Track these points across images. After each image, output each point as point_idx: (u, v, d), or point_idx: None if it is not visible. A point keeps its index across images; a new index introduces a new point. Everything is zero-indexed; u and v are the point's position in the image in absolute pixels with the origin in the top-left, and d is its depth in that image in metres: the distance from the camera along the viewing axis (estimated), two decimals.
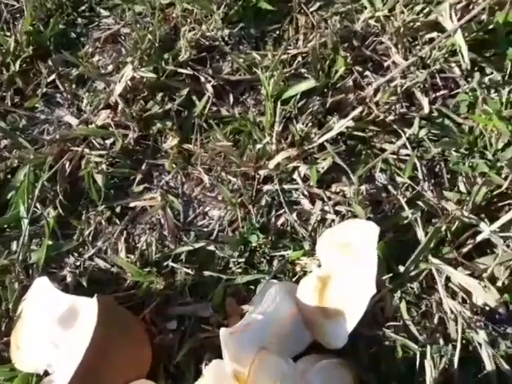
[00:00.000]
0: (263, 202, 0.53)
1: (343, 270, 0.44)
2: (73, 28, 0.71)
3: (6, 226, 0.57)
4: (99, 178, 0.56)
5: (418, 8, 0.59)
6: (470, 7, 0.58)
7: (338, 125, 0.51)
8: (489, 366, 0.42)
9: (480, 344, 0.42)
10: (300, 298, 0.45)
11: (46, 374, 0.47)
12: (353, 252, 0.44)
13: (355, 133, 0.53)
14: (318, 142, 0.52)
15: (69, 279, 0.54)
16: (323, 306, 0.43)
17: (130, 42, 0.65)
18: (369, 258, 0.42)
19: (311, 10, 0.64)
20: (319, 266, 0.47)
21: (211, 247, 0.52)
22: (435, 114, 0.54)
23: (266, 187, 0.53)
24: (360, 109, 0.51)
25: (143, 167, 0.58)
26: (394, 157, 0.53)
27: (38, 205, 0.57)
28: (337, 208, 0.51)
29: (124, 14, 0.70)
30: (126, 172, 0.57)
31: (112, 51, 0.68)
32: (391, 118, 0.54)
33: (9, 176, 0.60)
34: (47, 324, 0.47)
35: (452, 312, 0.44)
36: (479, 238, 0.46)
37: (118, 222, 0.56)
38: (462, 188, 0.50)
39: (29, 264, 0.55)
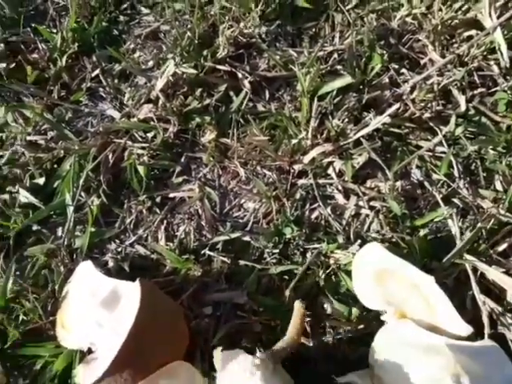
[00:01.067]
0: (298, 196, 0.54)
1: None
2: (115, 25, 0.74)
3: (52, 212, 0.61)
4: (141, 169, 0.59)
5: (456, 5, 0.59)
6: (510, 5, 0.58)
7: (375, 121, 0.52)
8: None
9: None
10: None
11: (90, 351, 0.49)
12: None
13: (391, 129, 0.53)
14: (354, 138, 0.53)
15: (111, 264, 0.56)
16: None
17: (170, 38, 0.68)
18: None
19: (347, 7, 0.65)
20: None
21: (246, 238, 0.54)
22: (472, 111, 0.54)
23: (301, 181, 0.55)
24: (397, 105, 0.52)
25: (182, 160, 0.60)
26: (430, 154, 0.53)
27: (82, 193, 0.59)
28: (371, 203, 0.52)
29: (164, 12, 0.72)
30: (166, 164, 0.60)
31: (153, 47, 0.70)
32: (427, 115, 0.54)
33: (55, 166, 0.63)
34: (91, 305, 0.50)
35: (485, 309, 0.45)
36: None
37: (158, 211, 0.58)
38: (499, 186, 0.50)
39: (73, 249, 0.58)
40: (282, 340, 0.44)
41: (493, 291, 0.46)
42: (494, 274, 0.44)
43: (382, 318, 0.45)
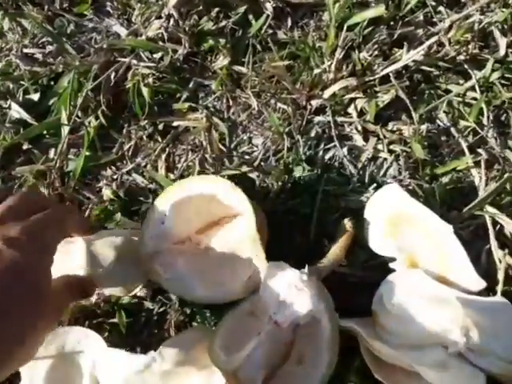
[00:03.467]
0: (313, 134, 0.50)
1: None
2: None
3: (45, 132, 0.56)
4: (145, 92, 0.54)
5: None
6: None
7: (406, 56, 0.47)
8: None
9: None
10: None
11: None
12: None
13: (422, 67, 0.49)
14: (382, 74, 0.48)
15: (104, 191, 0.53)
16: None
17: None
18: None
19: None
20: None
21: (253, 174, 0.50)
22: (511, 57, 0.49)
23: (318, 118, 0.51)
24: (433, 39, 0.47)
25: (190, 86, 0.55)
26: (460, 100, 0.49)
27: (79, 113, 0.55)
28: (391, 147, 0.48)
29: None
30: (172, 88, 0.55)
31: None
32: (462, 57, 0.50)
33: (52, 82, 0.59)
34: None
35: (501, 265, 0.42)
36: None
37: (159, 139, 0.54)
38: None
39: (65, 172, 0.54)
40: (326, 257, 0.42)
41: (510, 248, 0.43)
42: None
43: (391, 265, 0.42)
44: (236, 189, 0.41)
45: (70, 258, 0.41)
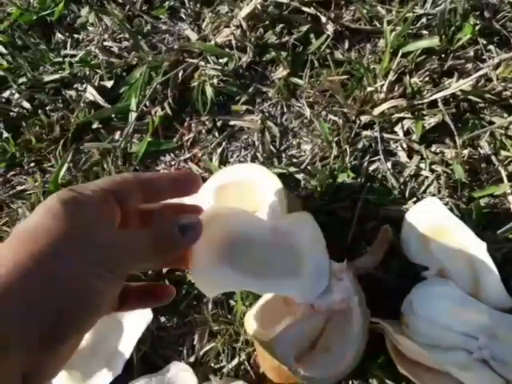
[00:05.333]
0: (359, 146, 0.54)
1: None
2: None
3: (114, 115, 0.62)
4: (209, 91, 0.59)
5: None
6: None
7: (456, 85, 0.51)
8: None
9: None
10: None
11: None
12: None
13: (469, 97, 0.52)
14: (430, 99, 0.52)
15: None
16: None
17: None
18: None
19: None
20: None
21: (299, 176, 0.54)
22: None
23: (366, 132, 0.54)
24: (481, 72, 0.51)
25: (249, 90, 0.60)
26: (502, 132, 0.52)
27: (147, 103, 0.61)
28: (433, 167, 0.51)
29: None
30: (233, 91, 0.60)
31: None
32: (508, 93, 0.53)
33: (125, 74, 0.64)
34: None
35: None
36: None
37: (216, 135, 0.59)
38: None
39: (128, 153, 0.60)
40: (363, 257, 0.45)
41: None
42: None
43: (423, 273, 0.45)
44: (272, 175, 0.45)
45: None
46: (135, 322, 0.47)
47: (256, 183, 0.46)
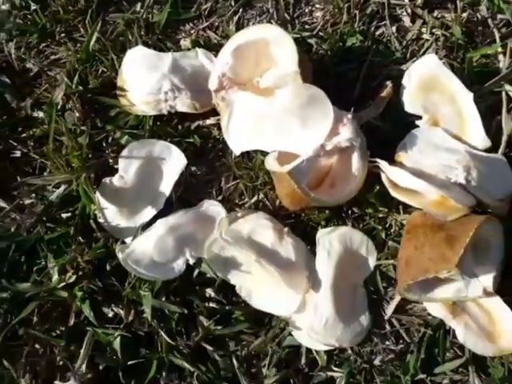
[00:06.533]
0: (368, 11, 0.59)
1: None
2: None
3: None
4: None
5: None
6: None
7: None
8: None
9: None
10: None
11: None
12: None
13: None
14: None
15: (183, 42, 0.62)
16: None
17: None
18: None
19: None
20: None
21: (312, 40, 0.59)
22: None
23: None
24: None
25: None
26: None
27: None
28: (433, 30, 0.56)
29: None
30: None
31: None
32: None
33: None
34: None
35: (506, 131, 0.52)
36: None
37: (232, 3, 0.62)
38: None
39: (150, 23, 0.64)
40: (366, 109, 0.53)
41: None
42: None
43: (417, 122, 0.53)
44: (286, 34, 0.51)
45: None
46: (172, 167, 0.56)
47: (272, 42, 0.52)
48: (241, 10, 0.62)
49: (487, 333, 0.48)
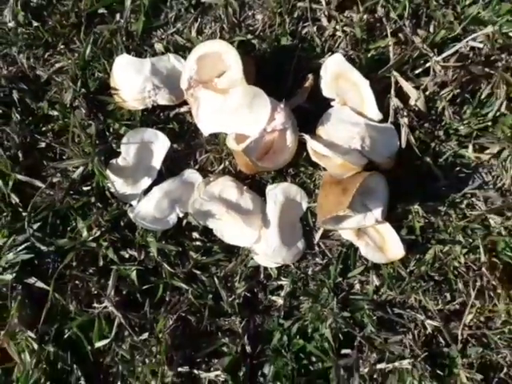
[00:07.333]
0: (295, 15, 0.76)
1: None
2: None
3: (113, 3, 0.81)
4: None
5: None
6: None
7: None
8: None
9: None
10: None
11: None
12: None
13: None
14: None
15: (157, 46, 0.80)
16: None
17: None
18: None
19: None
20: None
21: (255, 41, 0.77)
22: None
23: (300, 4, 0.76)
24: None
25: None
26: None
27: None
28: (344, 28, 0.75)
29: None
30: None
31: None
32: None
33: None
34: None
35: (392, 105, 0.73)
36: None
37: (192, 11, 0.79)
38: (431, 29, 0.73)
39: (129, 31, 0.81)
40: (295, 96, 0.73)
41: (403, 97, 0.73)
42: (405, 84, 0.71)
43: (332, 103, 0.73)
44: (232, 47, 0.69)
45: None
46: (159, 147, 0.77)
47: (223, 53, 0.70)
48: (199, 16, 0.79)
49: (380, 248, 0.72)
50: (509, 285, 0.74)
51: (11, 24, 0.82)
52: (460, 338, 0.74)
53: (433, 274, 0.75)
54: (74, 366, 0.75)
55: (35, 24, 0.81)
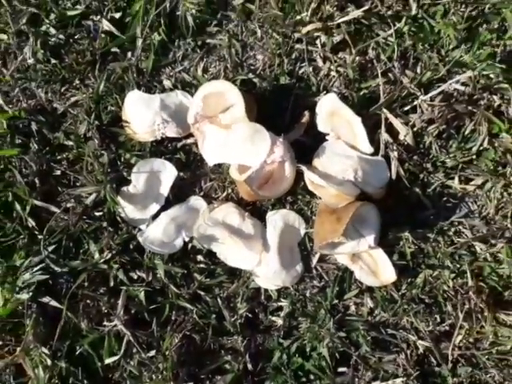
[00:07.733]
0: (293, 56, 0.83)
1: None
2: None
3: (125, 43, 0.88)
4: (190, 19, 0.84)
5: None
6: None
7: (353, 13, 0.77)
8: None
9: None
10: None
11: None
12: None
13: (361, 20, 0.80)
14: (337, 22, 0.79)
15: (165, 82, 0.87)
16: None
17: None
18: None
19: None
20: None
21: (256, 80, 0.84)
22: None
23: (297, 46, 0.83)
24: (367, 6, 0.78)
25: (218, 16, 0.85)
26: (383, 41, 0.80)
27: (147, 29, 0.86)
28: (338, 68, 0.81)
29: None
30: (206, 18, 0.85)
31: None
32: (389, 12, 0.80)
33: (127, 5, 0.88)
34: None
35: (382, 140, 0.79)
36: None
37: (198, 51, 0.86)
38: (418, 70, 0.80)
39: (140, 68, 0.87)
40: (293, 131, 0.79)
41: (392, 133, 0.79)
42: (395, 121, 0.77)
43: (327, 137, 0.79)
44: (235, 87, 0.76)
45: None
46: (167, 176, 0.82)
47: (226, 92, 0.77)
48: (205, 56, 0.86)
49: (374, 272, 0.78)
50: (495, 308, 0.80)
51: (31, 61, 0.89)
52: (450, 358, 0.79)
53: (423, 297, 0.81)
54: (85, 382, 0.80)
55: (53, 61, 0.88)
